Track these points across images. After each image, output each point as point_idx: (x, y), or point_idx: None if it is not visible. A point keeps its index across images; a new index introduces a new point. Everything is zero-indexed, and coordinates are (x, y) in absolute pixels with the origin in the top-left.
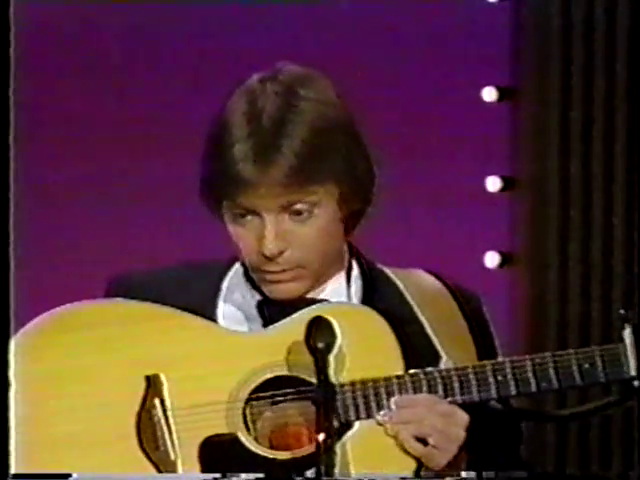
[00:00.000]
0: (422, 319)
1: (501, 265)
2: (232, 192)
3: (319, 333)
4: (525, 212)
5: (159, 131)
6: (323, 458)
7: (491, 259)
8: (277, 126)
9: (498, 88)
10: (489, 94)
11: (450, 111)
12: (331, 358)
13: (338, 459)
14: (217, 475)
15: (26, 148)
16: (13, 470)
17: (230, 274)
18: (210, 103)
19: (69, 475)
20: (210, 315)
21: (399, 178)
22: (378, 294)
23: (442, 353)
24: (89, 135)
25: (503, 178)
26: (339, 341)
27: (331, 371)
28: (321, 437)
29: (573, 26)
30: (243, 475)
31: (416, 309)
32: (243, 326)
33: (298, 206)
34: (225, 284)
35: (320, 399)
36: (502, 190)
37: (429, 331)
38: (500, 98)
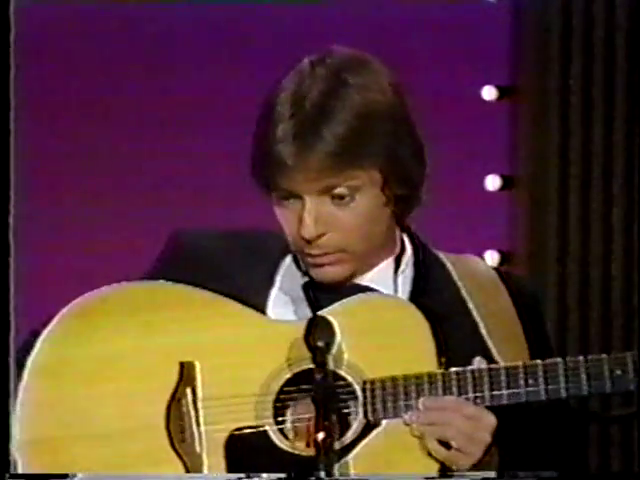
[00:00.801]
0: (471, 307)
1: (500, 264)
2: (273, 173)
3: (318, 332)
4: (524, 211)
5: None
6: (322, 458)
7: (490, 258)
8: (319, 110)
9: (498, 87)
10: (488, 93)
11: (450, 109)
12: (342, 354)
13: (338, 458)
14: (241, 475)
15: (31, 135)
16: (13, 470)
17: (286, 259)
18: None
19: (66, 475)
20: (262, 297)
21: None
22: (428, 283)
23: (491, 345)
24: (97, 123)
25: (502, 177)
26: (339, 340)
27: (333, 368)
28: (320, 436)
29: (572, 25)
30: (265, 475)
31: (466, 297)
32: (290, 308)
33: (339, 190)
34: (281, 271)
35: (319, 398)
36: (501, 189)
37: (479, 322)
38: (500, 97)
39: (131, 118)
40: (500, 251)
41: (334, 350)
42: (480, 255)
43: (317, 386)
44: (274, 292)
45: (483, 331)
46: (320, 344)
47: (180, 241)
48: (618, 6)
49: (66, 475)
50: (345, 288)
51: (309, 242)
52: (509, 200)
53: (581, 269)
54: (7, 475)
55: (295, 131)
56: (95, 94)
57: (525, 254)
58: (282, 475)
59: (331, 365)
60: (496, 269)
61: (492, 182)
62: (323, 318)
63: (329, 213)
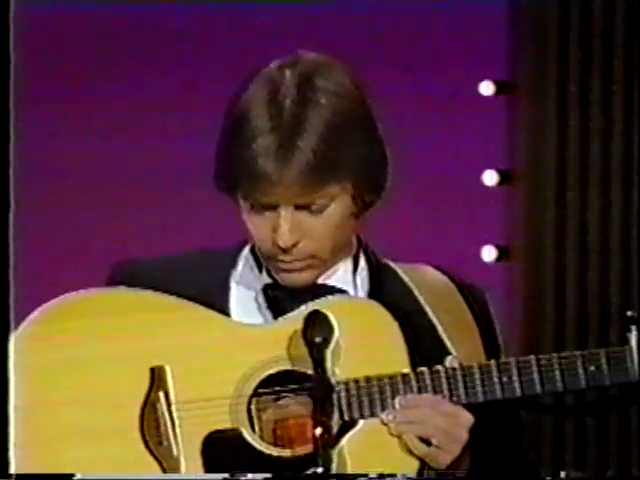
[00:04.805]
0: (429, 312)
1: (498, 259)
2: (250, 186)
3: (316, 327)
4: (522, 206)
5: (169, 117)
6: (321, 453)
7: (488, 253)
8: (297, 122)
9: (495, 82)
10: (486, 88)
11: (447, 105)
12: (335, 353)
13: (336, 454)
14: (226, 475)
15: (28, 137)
16: (13, 470)
17: (241, 259)
18: (219, 89)
19: (72, 475)
20: (223, 300)
21: (395, 172)
22: (385, 286)
23: (450, 347)
24: (92, 124)
25: (500, 172)
26: (336, 335)
27: (331, 365)
28: (318, 432)
29: (570, 19)
30: (250, 475)
31: (423, 302)
32: (252, 309)
33: (315, 202)
34: (238, 269)
35: (317, 393)
36: (499, 184)
37: (436, 324)
38: (497, 92)
39: (132, 116)
40: (498, 246)
41: (332, 346)
42: (478, 250)
43: (315, 382)
44: (232, 298)
45: (440, 330)
46: (318, 340)
47: (127, 272)
48: (616, 0)
49: (71, 475)
50: (307, 289)
51: (284, 250)
52: (507, 195)
53: (579, 264)
54: (11, 477)
55: (276, 145)
56: (95, 96)
57: (523, 249)
58: (268, 475)
59: (329, 361)
60: (448, 275)
61: (490, 177)
62: (321, 314)
63: (303, 222)
